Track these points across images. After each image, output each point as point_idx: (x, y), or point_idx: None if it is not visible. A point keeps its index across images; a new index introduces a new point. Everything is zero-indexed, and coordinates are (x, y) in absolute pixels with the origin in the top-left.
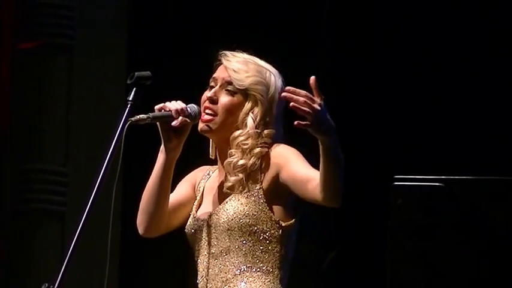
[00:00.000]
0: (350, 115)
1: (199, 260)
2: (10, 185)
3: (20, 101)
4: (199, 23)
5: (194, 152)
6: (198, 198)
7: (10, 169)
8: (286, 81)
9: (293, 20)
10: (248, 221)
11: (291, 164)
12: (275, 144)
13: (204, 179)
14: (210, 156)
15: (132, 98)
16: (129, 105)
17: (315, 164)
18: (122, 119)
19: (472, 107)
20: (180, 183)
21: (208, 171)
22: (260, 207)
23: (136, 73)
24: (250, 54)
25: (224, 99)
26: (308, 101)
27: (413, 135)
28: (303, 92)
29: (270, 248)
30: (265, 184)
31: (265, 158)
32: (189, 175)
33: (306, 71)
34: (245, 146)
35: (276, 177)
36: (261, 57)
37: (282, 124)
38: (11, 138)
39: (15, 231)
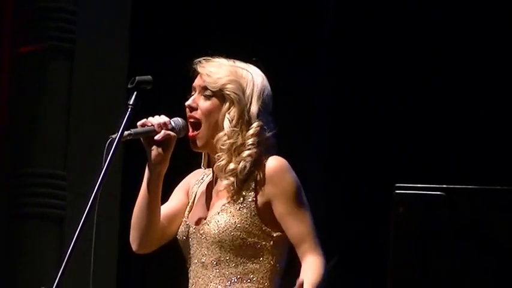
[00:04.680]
0: (351, 123)
1: (190, 268)
2: (9, 189)
3: (20, 104)
4: (201, 26)
5: (187, 162)
6: (190, 203)
7: (9, 173)
8: (286, 86)
9: (291, 24)
10: (239, 234)
11: (287, 212)
12: (271, 157)
13: (197, 183)
14: (202, 166)
15: (133, 102)
16: (129, 110)
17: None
18: (123, 123)
19: (473, 116)
20: (174, 191)
21: (202, 176)
22: (251, 220)
23: (137, 77)
24: (228, 58)
25: (202, 104)
26: None
27: (415, 144)
28: None
29: (261, 259)
30: (259, 201)
31: (260, 169)
32: (182, 181)
33: (305, 77)
34: (225, 146)
35: (270, 204)
36: (261, 64)
37: (271, 119)
38: (11, 141)
39: (13, 235)
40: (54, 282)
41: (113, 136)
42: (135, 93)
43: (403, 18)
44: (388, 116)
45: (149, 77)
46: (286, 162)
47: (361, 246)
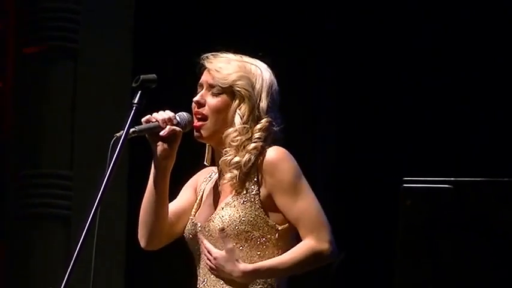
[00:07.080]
0: (358, 117)
1: (199, 266)
2: (16, 190)
3: (25, 105)
4: (205, 25)
5: (195, 157)
6: (197, 201)
7: (16, 174)
8: (290, 85)
9: (294, 23)
10: (244, 227)
11: (286, 201)
12: (270, 148)
13: (205, 181)
14: (205, 163)
15: (138, 101)
16: (134, 108)
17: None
18: (127, 122)
19: (481, 108)
20: (183, 188)
21: (210, 174)
22: (256, 213)
23: (141, 76)
24: (235, 53)
25: (210, 101)
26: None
27: (422, 137)
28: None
29: (267, 252)
30: (262, 193)
31: (261, 160)
32: (191, 179)
33: (309, 71)
34: (235, 143)
35: (272, 196)
36: (268, 60)
37: (278, 115)
38: (16, 142)
39: (21, 236)
40: (62, 282)
41: (117, 134)
42: (139, 92)
43: (403, 18)
44: (396, 110)
45: (154, 75)
46: (285, 151)
47: (368, 241)
